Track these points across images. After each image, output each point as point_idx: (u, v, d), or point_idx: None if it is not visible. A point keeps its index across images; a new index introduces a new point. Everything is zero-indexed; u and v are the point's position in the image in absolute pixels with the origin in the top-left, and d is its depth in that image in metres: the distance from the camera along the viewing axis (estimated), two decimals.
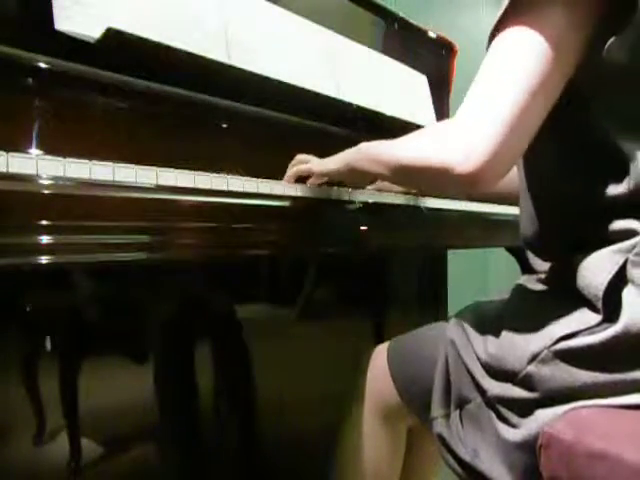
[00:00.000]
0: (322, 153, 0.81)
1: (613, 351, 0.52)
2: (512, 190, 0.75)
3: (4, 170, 0.49)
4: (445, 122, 0.58)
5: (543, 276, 0.65)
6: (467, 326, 0.68)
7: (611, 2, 0.51)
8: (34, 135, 0.60)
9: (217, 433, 1.13)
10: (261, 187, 0.73)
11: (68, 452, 0.90)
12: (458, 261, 1.99)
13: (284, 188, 0.78)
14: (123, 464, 0.97)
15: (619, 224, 0.55)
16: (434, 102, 1.42)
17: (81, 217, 0.52)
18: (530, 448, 0.55)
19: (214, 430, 1.13)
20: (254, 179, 0.72)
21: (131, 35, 0.73)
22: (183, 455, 1.07)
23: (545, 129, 0.55)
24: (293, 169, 0.80)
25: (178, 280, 1.03)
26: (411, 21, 1.46)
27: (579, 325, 0.54)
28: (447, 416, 0.66)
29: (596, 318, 0.53)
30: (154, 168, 0.61)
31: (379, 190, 0.92)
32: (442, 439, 0.66)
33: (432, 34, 1.54)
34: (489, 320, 0.65)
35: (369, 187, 0.89)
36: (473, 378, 0.63)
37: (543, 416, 0.54)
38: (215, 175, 0.67)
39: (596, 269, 0.54)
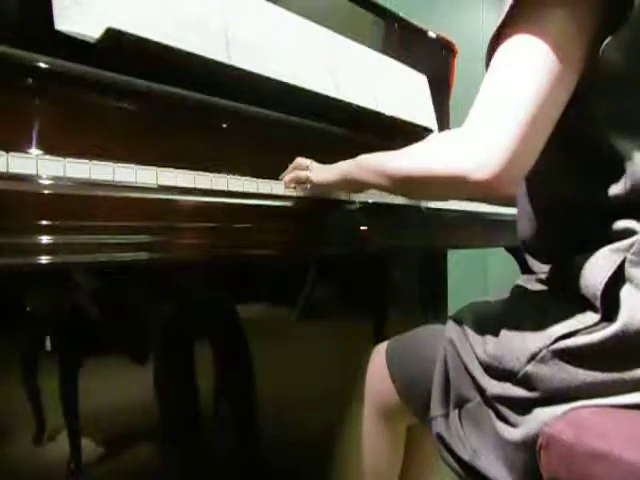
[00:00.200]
0: (322, 153, 0.81)
1: (612, 350, 0.52)
2: None
3: (4, 170, 0.49)
4: (454, 131, 0.57)
5: (542, 276, 0.65)
6: (466, 326, 0.68)
7: (609, 1, 0.51)
8: (34, 135, 0.60)
9: (217, 433, 1.14)
10: (261, 187, 0.73)
11: (68, 452, 0.90)
12: (458, 261, 1.99)
13: (284, 188, 0.78)
14: (123, 464, 0.97)
15: (617, 224, 0.55)
16: (434, 102, 1.42)
17: (81, 217, 0.52)
18: (530, 447, 0.55)
19: (214, 430, 1.13)
20: (254, 179, 0.72)
21: (131, 35, 0.73)
22: (183, 455, 1.07)
23: None
24: (292, 174, 0.80)
25: (178, 280, 1.03)
26: (411, 21, 1.46)
27: (578, 324, 0.54)
28: (446, 415, 0.66)
29: (595, 317, 0.53)
30: (154, 168, 0.61)
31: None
32: (441, 438, 0.66)
33: (432, 34, 1.54)
34: (488, 320, 0.65)
35: None
36: (472, 377, 0.63)
37: (542, 415, 0.54)
38: (215, 175, 0.67)
39: (594, 268, 0.54)
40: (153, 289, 1.00)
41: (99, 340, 0.94)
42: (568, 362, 0.54)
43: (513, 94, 0.52)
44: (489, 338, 0.63)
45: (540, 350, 0.55)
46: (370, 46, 1.27)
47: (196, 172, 0.65)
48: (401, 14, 1.43)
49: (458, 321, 0.70)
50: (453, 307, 1.70)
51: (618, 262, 0.53)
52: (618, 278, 0.53)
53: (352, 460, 0.92)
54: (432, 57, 1.53)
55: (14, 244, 0.48)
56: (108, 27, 0.71)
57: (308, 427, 1.25)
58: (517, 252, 1.38)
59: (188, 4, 0.85)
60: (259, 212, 0.70)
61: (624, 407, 0.52)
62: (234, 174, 0.71)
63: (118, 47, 0.73)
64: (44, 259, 0.49)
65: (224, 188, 0.68)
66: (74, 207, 0.52)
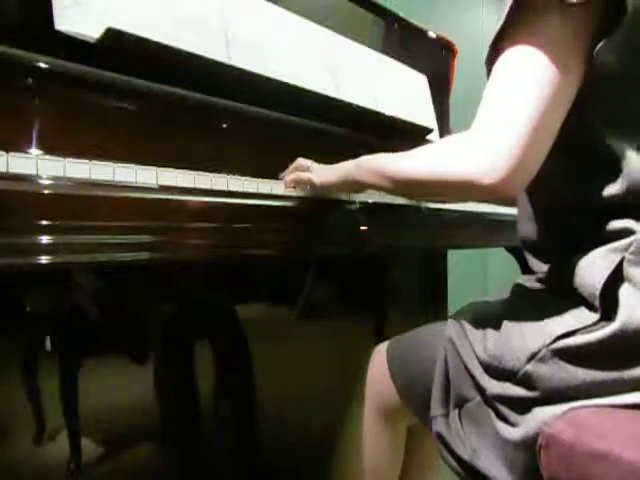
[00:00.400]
0: (322, 153, 0.81)
1: (611, 349, 0.52)
2: None
3: (4, 170, 0.49)
4: (461, 135, 0.58)
5: (541, 276, 0.65)
6: (466, 325, 0.68)
7: (604, 5, 0.51)
8: (34, 135, 0.60)
9: (217, 433, 1.14)
10: (261, 187, 0.73)
11: (68, 452, 0.90)
12: (458, 261, 1.99)
13: (284, 188, 0.78)
14: (123, 464, 0.97)
15: (615, 224, 0.56)
16: (434, 102, 1.42)
17: (81, 217, 0.52)
18: (529, 447, 0.55)
19: (214, 430, 1.13)
20: (254, 179, 0.72)
21: (131, 35, 0.73)
22: (183, 455, 1.07)
23: None
24: (292, 175, 0.80)
25: (178, 280, 1.03)
26: (411, 21, 1.46)
27: (577, 324, 0.54)
28: (446, 415, 0.67)
29: (593, 317, 0.53)
30: (154, 168, 0.61)
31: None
32: (441, 438, 0.66)
33: (432, 34, 1.54)
34: (488, 319, 0.66)
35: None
36: (472, 377, 0.63)
37: (542, 415, 0.55)
38: (215, 175, 0.67)
39: (593, 268, 0.55)
40: (153, 289, 1.00)
41: (99, 340, 0.94)
42: (568, 361, 0.54)
43: (518, 101, 0.53)
44: (489, 337, 0.63)
45: (540, 349, 0.55)
46: (370, 46, 1.27)
47: (196, 172, 0.65)
48: (401, 14, 1.43)
49: (458, 321, 0.70)
50: (453, 307, 1.69)
51: (617, 261, 0.53)
52: (617, 277, 0.53)
53: (352, 460, 0.92)
54: (432, 57, 1.53)
55: (14, 244, 0.48)
56: (108, 27, 0.71)
57: (308, 427, 1.25)
58: (517, 252, 1.38)
59: (188, 4, 0.85)
60: (259, 212, 0.70)
61: (624, 407, 0.53)
62: (234, 174, 0.71)
63: (118, 47, 0.72)
64: (44, 259, 0.49)
65: (224, 188, 0.68)
66: (74, 207, 0.52)
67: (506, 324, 0.61)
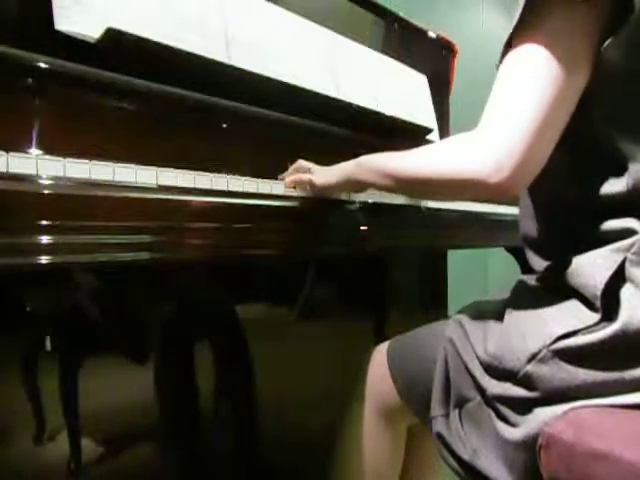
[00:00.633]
0: (322, 153, 0.81)
1: (612, 350, 0.52)
2: None
3: (4, 170, 0.49)
4: (465, 134, 0.58)
5: (542, 275, 0.65)
6: (466, 325, 0.68)
7: (612, 3, 0.51)
8: (34, 135, 0.60)
9: (217, 433, 1.14)
10: (261, 187, 0.73)
11: (68, 452, 0.90)
12: (458, 261, 1.99)
13: (284, 188, 0.78)
14: (123, 464, 0.97)
15: (618, 223, 0.56)
16: (434, 102, 1.42)
17: (81, 217, 0.52)
18: (530, 447, 0.55)
19: (214, 430, 1.13)
20: (254, 179, 0.72)
21: (131, 35, 0.73)
22: (183, 455, 1.07)
23: None
24: (293, 177, 0.80)
25: (178, 280, 1.03)
26: (411, 21, 1.46)
27: (578, 324, 0.54)
28: (447, 415, 0.66)
29: (595, 317, 0.53)
30: (154, 168, 0.61)
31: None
32: (442, 438, 0.66)
33: (432, 34, 1.54)
34: (488, 319, 0.65)
35: None
36: (473, 377, 0.63)
37: (543, 415, 0.54)
38: (215, 175, 0.67)
39: (595, 268, 0.54)
40: (153, 289, 1.00)
41: (99, 340, 0.94)
42: (568, 362, 0.54)
43: (522, 99, 0.53)
44: (489, 337, 0.63)
45: (540, 350, 0.55)
46: (370, 46, 1.27)
47: (196, 172, 0.65)
48: (401, 14, 1.43)
49: (459, 321, 0.70)
50: (453, 307, 1.70)
51: (619, 262, 0.53)
52: (618, 278, 0.53)
53: (352, 460, 0.92)
54: (432, 57, 1.53)
55: (14, 244, 0.48)
56: (108, 27, 0.71)
57: (308, 427, 1.25)
58: (517, 252, 1.38)
59: (188, 4, 0.85)
60: (259, 212, 0.70)
61: (624, 407, 0.53)
62: (234, 174, 0.70)
63: (118, 47, 0.72)
64: (44, 259, 0.49)
65: (224, 188, 0.68)
66: (74, 207, 0.52)
67: (507, 324, 0.61)
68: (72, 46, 0.70)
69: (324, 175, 0.77)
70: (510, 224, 1.18)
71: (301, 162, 0.81)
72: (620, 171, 0.56)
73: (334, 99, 1.05)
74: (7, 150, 0.50)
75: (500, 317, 0.63)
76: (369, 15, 1.36)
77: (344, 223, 0.82)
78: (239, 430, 1.17)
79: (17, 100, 0.60)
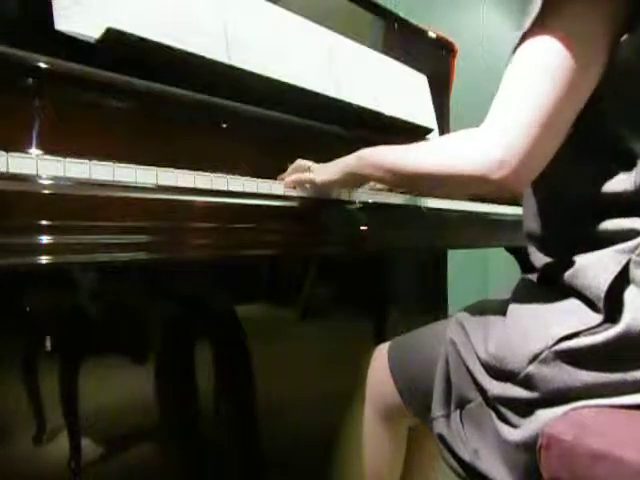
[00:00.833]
0: (322, 153, 0.81)
1: (614, 351, 0.52)
2: None
3: (4, 170, 0.49)
4: (472, 130, 0.57)
5: (543, 273, 0.65)
6: (467, 326, 0.68)
7: (628, 1, 0.51)
8: (34, 135, 0.60)
9: (217, 433, 1.13)
10: (261, 187, 0.73)
11: (68, 452, 0.90)
12: (458, 261, 1.99)
13: (284, 188, 0.78)
14: (123, 464, 0.97)
15: (623, 223, 0.55)
16: (434, 102, 1.42)
17: (81, 217, 0.52)
18: (530, 448, 0.55)
19: (214, 430, 1.13)
20: (254, 179, 0.72)
21: (131, 35, 0.73)
22: (183, 455, 1.07)
23: None
24: (293, 176, 0.79)
25: (178, 280, 1.03)
26: (411, 21, 1.46)
27: (580, 325, 0.54)
28: (447, 416, 0.66)
29: (597, 318, 0.53)
30: (154, 168, 0.61)
31: (379, 190, 0.92)
32: (442, 439, 0.66)
33: (432, 34, 1.54)
34: (489, 320, 0.65)
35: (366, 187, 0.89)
36: (473, 378, 0.63)
37: (544, 416, 0.54)
38: (215, 175, 0.67)
39: (598, 269, 0.54)
40: (153, 289, 1.00)
41: (99, 340, 0.94)
42: (570, 363, 0.53)
43: (532, 95, 0.53)
44: (490, 338, 0.62)
45: (542, 351, 0.55)
46: (370, 46, 1.27)
47: (196, 172, 0.65)
48: (401, 14, 1.43)
49: (459, 321, 0.70)
50: (453, 307, 1.70)
51: (623, 263, 0.53)
52: (622, 279, 0.53)
53: (353, 461, 0.92)
54: (432, 57, 1.53)
55: (14, 244, 0.48)
56: (108, 27, 0.71)
57: (309, 427, 1.25)
58: (517, 252, 1.38)
59: (188, 4, 0.85)
60: (259, 212, 0.70)
61: (625, 407, 0.52)
62: (234, 174, 0.70)
63: (118, 47, 0.72)
64: (44, 259, 0.49)
65: (224, 188, 0.68)
66: (74, 207, 0.52)
67: (508, 325, 0.61)
68: (72, 46, 0.70)
69: (324, 171, 0.76)
70: (510, 224, 1.18)
71: (300, 161, 0.80)
72: (629, 168, 0.55)
73: (334, 99, 1.05)
74: (7, 150, 0.50)
75: (501, 317, 0.63)
76: (369, 15, 1.36)
77: (344, 223, 0.82)
78: (239, 430, 1.17)
79: (17, 100, 0.60)
